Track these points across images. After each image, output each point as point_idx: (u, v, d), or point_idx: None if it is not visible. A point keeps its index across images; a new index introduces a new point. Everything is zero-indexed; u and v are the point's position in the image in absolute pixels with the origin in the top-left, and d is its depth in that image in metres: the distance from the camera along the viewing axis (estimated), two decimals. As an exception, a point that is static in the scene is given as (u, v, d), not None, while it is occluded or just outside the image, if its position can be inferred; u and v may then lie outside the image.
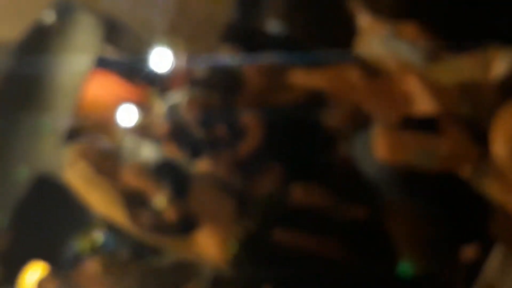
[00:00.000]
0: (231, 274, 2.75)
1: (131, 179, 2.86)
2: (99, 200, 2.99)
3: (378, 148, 1.42)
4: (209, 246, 2.70)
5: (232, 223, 2.72)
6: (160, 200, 2.76)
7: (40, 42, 7.20)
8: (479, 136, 1.20)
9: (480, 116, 1.27)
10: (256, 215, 2.84)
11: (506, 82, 1.07)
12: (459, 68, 1.37)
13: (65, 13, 6.62)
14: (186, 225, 2.72)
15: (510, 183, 1.10)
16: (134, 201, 2.88)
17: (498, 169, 1.12)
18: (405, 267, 2.91)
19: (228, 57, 4.32)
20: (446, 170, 1.33)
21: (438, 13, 1.08)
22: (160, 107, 6.64)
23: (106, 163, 3.05)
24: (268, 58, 3.67)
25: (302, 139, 3.52)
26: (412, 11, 1.07)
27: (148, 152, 7.15)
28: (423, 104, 1.42)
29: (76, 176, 3.02)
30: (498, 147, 1.04)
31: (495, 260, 2.55)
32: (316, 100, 3.00)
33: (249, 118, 3.68)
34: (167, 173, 2.84)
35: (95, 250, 7.07)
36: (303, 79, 2.73)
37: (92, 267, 4.76)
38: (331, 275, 2.78)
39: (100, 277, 4.59)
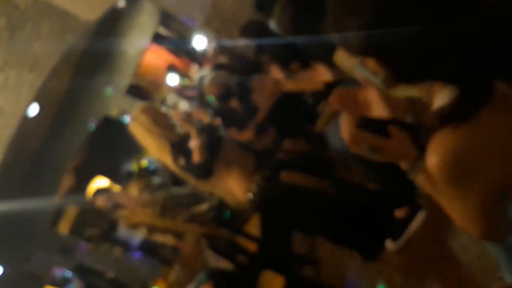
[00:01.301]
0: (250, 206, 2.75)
1: (179, 120, 2.85)
2: (153, 145, 2.96)
3: (343, 131, 1.36)
4: (236, 187, 2.70)
5: (251, 171, 2.72)
6: (194, 144, 2.71)
7: (113, 21, 7.08)
8: (418, 144, 1.14)
9: (420, 129, 1.20)
10: (268, 165, 2.83)
11: (443, 112, 1.00)
12: (409, 92, 1.29)
13: (132, 0, 6.45)
14: (205, 170, 2.69)
15: (432, 180, 1.05)
16: (176, 148, 2.85)
17: (427, 170, 1.06)
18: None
19: (243, 44, 4.25)
20: (390, 162, 1.27)
21: (392, 54, 1.01)
22: (195, 76, 6.50)
23: (160, 118, 3.01)
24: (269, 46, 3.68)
25: (292, 114, 3.55)
26: (374, 53, 1.00)
27: (184, 107, 7.08)
28: (379, 110, 1.35)
29: (138, 125, 2.99)
30: (430, 160, 1.00)
31: (419, 219, 2.58)
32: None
33: (259, 97, 3.67)
34: (207, 133, 2.78)
35: (141, 171, 7.08)
36: (291, 86, 2.70)
37: (132, 189, 4.84)
38: (321, 203, 2.81)
39: (137, 196, 4.71)
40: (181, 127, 2.88)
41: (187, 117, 2.90)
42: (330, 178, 3.02)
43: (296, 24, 2.39)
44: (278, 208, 2.80)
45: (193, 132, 2.76)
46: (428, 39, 1.01)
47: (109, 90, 7.11)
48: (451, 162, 1.05)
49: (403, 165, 1.28)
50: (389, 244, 2.76)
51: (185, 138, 2.90)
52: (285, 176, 2.83)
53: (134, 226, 4.43)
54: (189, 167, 2.79)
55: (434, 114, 1.14)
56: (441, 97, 1.13)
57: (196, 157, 2.75)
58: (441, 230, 2.67)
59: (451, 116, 1.07)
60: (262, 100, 2.87)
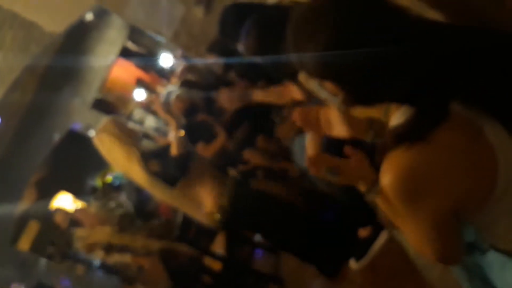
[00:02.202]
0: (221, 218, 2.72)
1: (160, 110, 2.84)
2: (120, 155, 2.85)
3: (309, 151, 1.34)
4: (206, 198, 2.69)
5: (220, 184, 2.71)
6: (173, 136, 2.68)
7: (80, 34, 6.92)
8: (376, 166, 1.11)
9: (378, 149, 1.17)
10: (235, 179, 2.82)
11: (398, 131, 0.99)
12: (368, 113, 1.26)
13: (100, 14, 6.35)
14: (179, 169, 2.65)
15: (388, 200, 1.01)
16: (147, 155, 2.77)
17: (383, 191, 1.03)
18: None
19: (210, 61, 4.24)
20: (349, 184, 1.24)
21: (347, 77, 1.00)
22: (162, 92, 6.44)
23: (127, 130, 2.96)
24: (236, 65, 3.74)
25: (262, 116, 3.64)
26: (330, 76, 0.99)
27: (150, 122, 6.99)
28: (339, 129, 1.32)
29: (104, 136, 2.88)
30: (384, 178, 0.97)
31: (382, 238, 2.62)
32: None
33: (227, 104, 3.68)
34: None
35: (105, 187, 6.94)
36: (261, 97, 2.69)
37: (91, 207, 4.76)
38: (286, 209, 2.80)
39: (94, 214, 4.66)
40: (162, 117, 2.78)
41: (167, 108, 2.81)
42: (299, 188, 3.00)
43: (261, 46, 2.40)
44: (246, 221, 2.76)
45: (172, 123, 2.68)
46: (381, 62, 1.01)
47: (75, 104, 6.92)
48: (404, 180, 1.04)
49: (361, 187, 1.25)
50: (352, 264, 2.73)
51: (156, 149, 2.81)
52: (255, 184, 2.81)
53: (91, 248, 4.30)
54: (161, 171, 2.69)
55: (389, 133, 1.13)
56: (397, 117, 1.12)
57: (174, 150, 2.66)
58: (404, 250, 2.65)
59: (405, 135, 1.05)
60: (230, 105, 2.84)
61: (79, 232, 4.36)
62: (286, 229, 2.76)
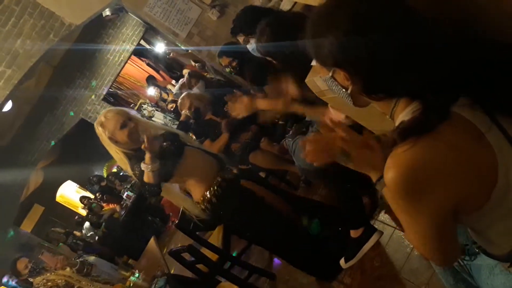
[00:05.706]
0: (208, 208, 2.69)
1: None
2: (113, 151, 2.80)
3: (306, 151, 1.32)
4: (196, 189, 2.66)
5: (213, 175, 2.68)
6: (145, 167, 2.59)
7: (97, 29, 6.93)
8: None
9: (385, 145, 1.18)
10: (230, 171, 2.79)
11: (404, 126, 0.97)
12: (372, 113, 1.26)
13: (118, 11, 6.36)
14: (153, 191, 2.63)
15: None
16: (135, 157, 2.73)
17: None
18: (315, 225, 2.87)
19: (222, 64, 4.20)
20: (359, 170, 1.20)
21: (364, 66, 0.99)
22: (173, 90, 6.42)
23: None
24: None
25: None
26: (346, 64, 0.98)
27: (158, 118, 6.99)
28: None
29: (101, 131, 2.80)
30: (387, 174, 0.94)
31: (373, 240, 2.63)
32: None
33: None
34: (172, 138, 2.70)
35: (112, 175, 6.93)
36: (264, 105, 2.69)
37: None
38: (271, 214, 2.82)
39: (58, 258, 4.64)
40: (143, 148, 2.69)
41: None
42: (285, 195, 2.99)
43: (273, 44, 2.43)
44: (231, 218, 2.76)
45: (147, 156, 2.62)
46: (398, 53, 1.01)
47: (87, 95, 6.91)
48: (407, 177, 1.01)
49: (373, 176, 1.22)
50: (342, 263, 2.73)
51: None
52: (244, 183, 2.80)
53: None
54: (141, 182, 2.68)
55: (395, 129, 1.10)
56: (404, 114, 1.10)
57: (146, 178, 2.63)
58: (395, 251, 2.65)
59: (411, 129, 1.03)
60: (237, 115, 2.81)
61: (37, 280, 4.28)
62: (271, 233, 2.75)
